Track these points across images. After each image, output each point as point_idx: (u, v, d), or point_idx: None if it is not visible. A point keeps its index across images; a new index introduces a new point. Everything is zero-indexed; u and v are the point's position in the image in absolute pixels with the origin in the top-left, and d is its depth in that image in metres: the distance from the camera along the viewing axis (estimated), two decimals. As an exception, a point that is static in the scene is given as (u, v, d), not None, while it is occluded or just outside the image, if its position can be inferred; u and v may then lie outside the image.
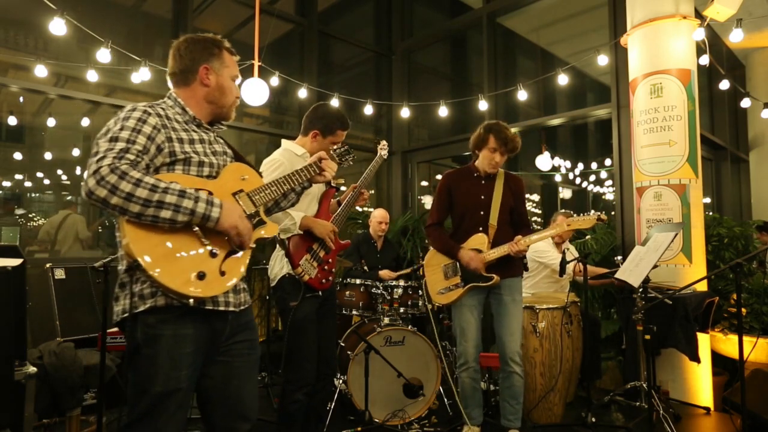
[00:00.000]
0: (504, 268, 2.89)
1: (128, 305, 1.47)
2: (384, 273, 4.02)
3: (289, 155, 2.53)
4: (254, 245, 1.62)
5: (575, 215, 3.02)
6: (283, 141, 2.63)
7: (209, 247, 1.49)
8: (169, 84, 1.71)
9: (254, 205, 1.66)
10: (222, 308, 1.57)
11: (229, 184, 1.62)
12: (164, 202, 1.38)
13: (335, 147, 2.30)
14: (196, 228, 1.47)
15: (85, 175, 1.36)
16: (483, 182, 2.99)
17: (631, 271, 2.91)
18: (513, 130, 2.99)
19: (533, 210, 8.95)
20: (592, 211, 2.81)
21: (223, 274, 1.50)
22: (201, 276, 1.45)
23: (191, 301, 1.46)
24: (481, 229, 2.93)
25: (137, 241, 1.38)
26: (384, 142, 2.93)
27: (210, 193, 1.51)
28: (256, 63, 4.11)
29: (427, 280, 3.10)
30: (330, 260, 2.49)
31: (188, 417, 1.61)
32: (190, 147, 1.58)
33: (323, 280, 2.44)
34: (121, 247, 1.47)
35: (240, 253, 1.57)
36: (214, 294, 1.50)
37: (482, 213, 2.94)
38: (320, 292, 2.46)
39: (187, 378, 1.51)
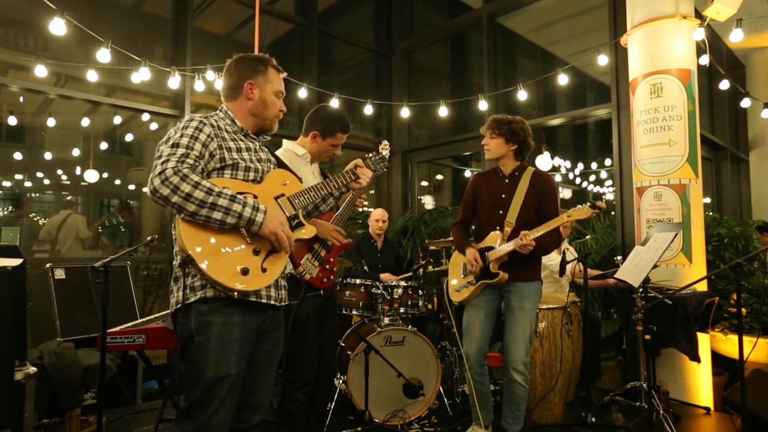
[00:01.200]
0: (517, 270, 2.78)
1: (181, 297, 1.62)
2: (386, 276, 4.00)
3: (290, 155, 2.54)
4: (294, 244, 1.76)
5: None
6: (285, 141, 2.64)
7: (253, 246, 1.63)
8: (222, 98, 1.89)
9: (294, 208, 1.80)
10: (264, 301, 1.70)
11: (272, 188, 1.78)
12: (217, 204, 1.53)
13: (370, 155, 2.32)
14: (242, 229, 1.61)
15: (150, 175, 1.52)
16: (506, 181, 2.91)
17: (631, 271, 2.91)
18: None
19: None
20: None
21: (264, 270, 1.64)
22: (245, 271, 1.59)
23: (235, 294, 1.60)
24: (498, 228, 2.85)
25: (190, 237, 1.54)
26: (385, 142, 2.91)
27: (255, 197, 1.65)
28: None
29: (449, 279, 3.09)
30: (331, 259, 2.50)
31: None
32: (238, 154, 1.73)
33: (324, 279, 2.44)
34: (176, 243, 1.61)
35: (280, 252, 1.69)
36: (256, 288, 1.63)
37: (501, 212, 2.86)
38: (321, 291, 2.46)
39: (236, 365, 1.61)
